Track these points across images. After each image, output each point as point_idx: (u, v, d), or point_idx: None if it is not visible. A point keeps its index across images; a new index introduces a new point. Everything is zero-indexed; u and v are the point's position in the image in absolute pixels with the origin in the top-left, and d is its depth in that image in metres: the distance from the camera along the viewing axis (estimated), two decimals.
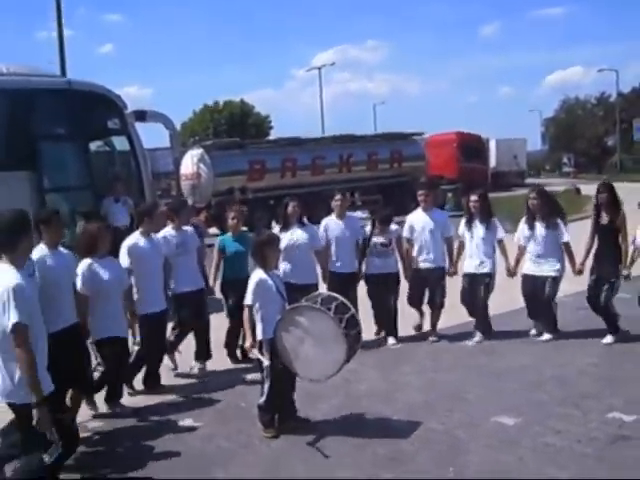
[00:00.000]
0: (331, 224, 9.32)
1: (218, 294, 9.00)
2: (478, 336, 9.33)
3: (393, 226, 9.54)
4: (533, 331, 9.43)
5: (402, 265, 9.58)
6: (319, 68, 64.51)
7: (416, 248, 9.47)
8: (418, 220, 9.54)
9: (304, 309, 6.20)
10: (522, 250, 9.36)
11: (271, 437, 6.25)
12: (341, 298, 6.37)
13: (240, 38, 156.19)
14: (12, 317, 4.59)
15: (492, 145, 48.90)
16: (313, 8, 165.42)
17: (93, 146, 12.66)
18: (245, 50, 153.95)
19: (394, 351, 9.10)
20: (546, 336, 9.22)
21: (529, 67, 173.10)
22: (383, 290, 9.28)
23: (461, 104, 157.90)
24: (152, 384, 7.87)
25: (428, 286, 9.55)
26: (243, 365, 8.53)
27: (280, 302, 6.38)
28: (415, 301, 9.69)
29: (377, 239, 9.30)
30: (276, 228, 9.00)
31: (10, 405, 4.93)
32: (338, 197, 9.33)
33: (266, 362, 6.22)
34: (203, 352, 8.57)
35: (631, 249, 8.89)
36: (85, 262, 6.81)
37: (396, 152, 32.08)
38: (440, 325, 9.74)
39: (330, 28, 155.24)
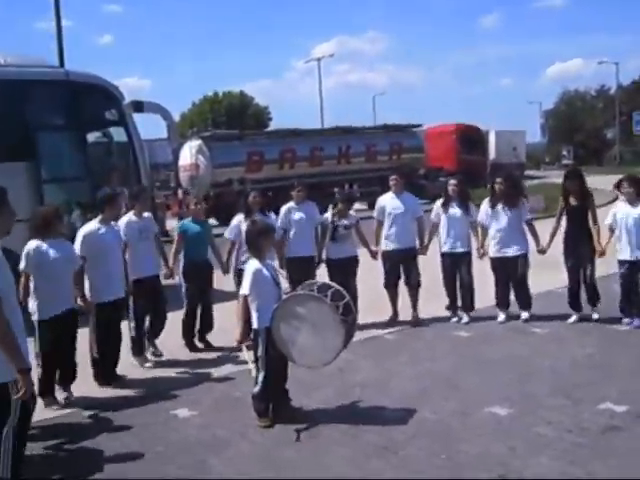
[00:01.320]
0: (291, 210, 9.74)
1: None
2: (465, 317, 9.77)
3: (352, 211, 9.94)
4: (501, 317, 9.70)
5: (367, 249, 9.96)
6: (318, 59, 64.44)
7: (387, 230, 9.87)
8: (388, 203, 9.96)
9: (301, 297, 6.28)
10: (484, 229, 9.78)
11: (265, 426, 6.29)
12: (336, 285, 6.47)
13: (240, 29, 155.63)
14: None
15: (491, 137, 48.80)
16: None
17: (90, 137, 12.65)
18: (244, 41, 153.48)
19: (389, 341, 9.17)
20: (524, 315, 9.60)
21: (529, 58, 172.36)
22: (344, 274, 9.27)
23: (461, 95, 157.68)
24: (110, 377, 7.83)
25: (402, 267, 9.87)
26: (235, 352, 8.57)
27: (276, 291, 6.42)
28: (390, 283, 9.95)
29: (340, 222, 9.56)
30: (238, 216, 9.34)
31: None
32: (298, 188, 9.82)
33: (260, 352, 6.27)
34: (156, 334, 8.76)
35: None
36: (32, 243, 6.91)
37: (395, 144, 32.14)
38: (435, 313, 9.97)
39: (330, 19, 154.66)
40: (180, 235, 9.05)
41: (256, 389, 6.39)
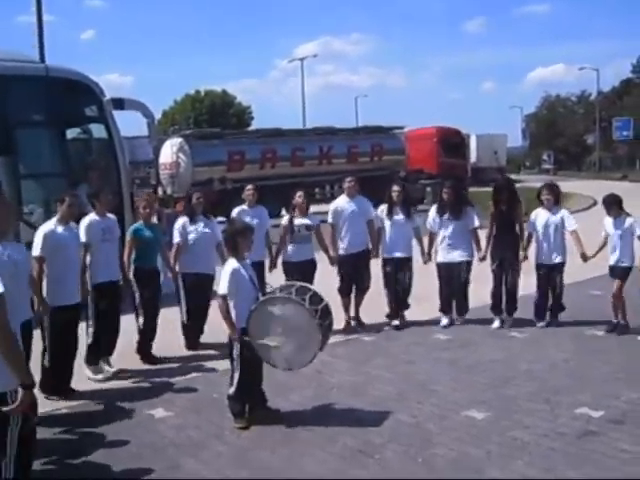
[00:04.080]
0: (242, 213, 9.63)
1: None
2: (397, 322, 9.89)
3: (313, 215, 9.87)
4: (444, 321, 9.88)
5: (325, 253, 9.92)
6: (301, 59, 64.40)
7: (342, 234, 9.85)
8: (342, 206, 9.96)
9: (279, 300, 6.23)
10: (432, 237, 10.02)
11: (241, 427, 6.26)
12: (314, 288, 6.44)
13: (223, 27, 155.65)
14: None
15: (472, 140, 49.12)
16: None
17: (70, 133, 12.53)
18: (228, 39, 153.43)
19: (367, 343, 9.17)
20: (458, 321, 9.87)
21: (512, 63, 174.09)
22: (301, 278, 8.81)
23: (444, 99, 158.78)
24: (61, 388, 7.34)
25: (355, 270, 9.89)
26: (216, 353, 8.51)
27: (253, 292, 6.37)
28: (345, 289, 9.94)
29: (301, 221, 9.51)
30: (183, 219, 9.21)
31: None
32: (250, 187, 9.90)
33: (235, 353, 6.26)
34: (110, 347, 8.20)
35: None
36: None
37: (377, 145, 32.13)
38: (411, 317, 10.05)
39: (315, 19, 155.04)
40: (132, 240, 8.53)
41: (231, 390, 6.36)
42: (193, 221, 9.08)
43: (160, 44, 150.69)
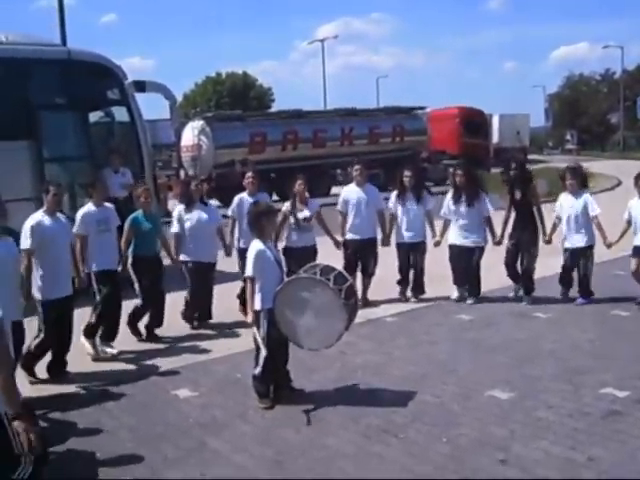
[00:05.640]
0: (243, 201, 9.52)
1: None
2: (413, 299, 10.20)
3: (312, 201, 9.89)
4: (454, 295, 10.09)
5: (330, 237, 10.00)
6: (321, 41, 64.10)
7: (350, 221, 9.96)
8: (352, 194, 10.04)
9: (304, 280, 6.28)
10: (446, 222, 10.08)
11: (266, 407, 6.30)
12: (339, 268, 6.47)
13: (244, 9, 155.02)
14: None
15: (495, 120, 48.66)
16: None
17: (92, 117, 12.59)
18: (248, 21, 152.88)
19: (389, 324, 9.17)
20: (470, 300, 9.89)
21: (534, 42, 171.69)
22: (303, 263, 9.17)
23: (465, 78, 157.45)
24: (57, 372, 7.41)
25: (361, 256, 10.00)
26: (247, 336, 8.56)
27: (278, 272, 6.42)
28: (348, 271, 9.82)
29: (301, 214, 9.52)
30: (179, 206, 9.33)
31: None
32: (249, 175, 9.74)
33: (261, 334, 6.28)
34: (112, 333, 8.28)
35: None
36: None
37: (398, 126, 32.06)
38: (437, 296, 10.18)
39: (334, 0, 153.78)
40: (130, 229, 8.52)
41: (257, 370, 6.39)
42: (189, 209, 9.10)
43: (181, 27, 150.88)
